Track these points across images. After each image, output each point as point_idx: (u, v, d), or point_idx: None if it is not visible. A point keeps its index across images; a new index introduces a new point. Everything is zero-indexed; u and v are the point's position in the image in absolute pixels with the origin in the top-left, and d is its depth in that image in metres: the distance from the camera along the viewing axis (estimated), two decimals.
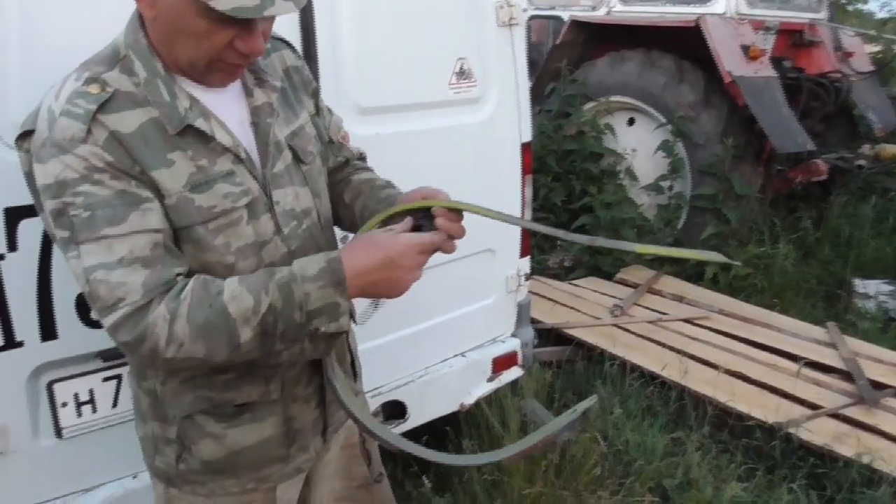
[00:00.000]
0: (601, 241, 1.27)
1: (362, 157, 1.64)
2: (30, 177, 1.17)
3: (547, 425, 1.34)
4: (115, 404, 1.85)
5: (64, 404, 1.79)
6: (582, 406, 1.30)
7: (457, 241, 1.33)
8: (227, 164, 1.24)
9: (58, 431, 1.79)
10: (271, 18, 1.18)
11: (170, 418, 1.34)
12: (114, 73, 1.17)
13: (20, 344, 1.68)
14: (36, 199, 1.17)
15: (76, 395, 1.80)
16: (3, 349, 1.66)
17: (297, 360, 1.32)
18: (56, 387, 1.77)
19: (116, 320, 1.11)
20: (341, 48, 2.13)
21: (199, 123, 1.20)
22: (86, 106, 1.12)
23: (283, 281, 1.16)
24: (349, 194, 1.52)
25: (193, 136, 1.20)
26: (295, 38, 2.01)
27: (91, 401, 1.83)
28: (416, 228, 1.32)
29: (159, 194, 1.17)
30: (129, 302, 1.10)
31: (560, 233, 1.32)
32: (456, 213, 1.31)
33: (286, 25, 1.98)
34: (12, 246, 1.62)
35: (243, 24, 1.12)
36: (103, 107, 1.13)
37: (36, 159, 1.13)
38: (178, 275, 1.15)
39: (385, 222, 1.37)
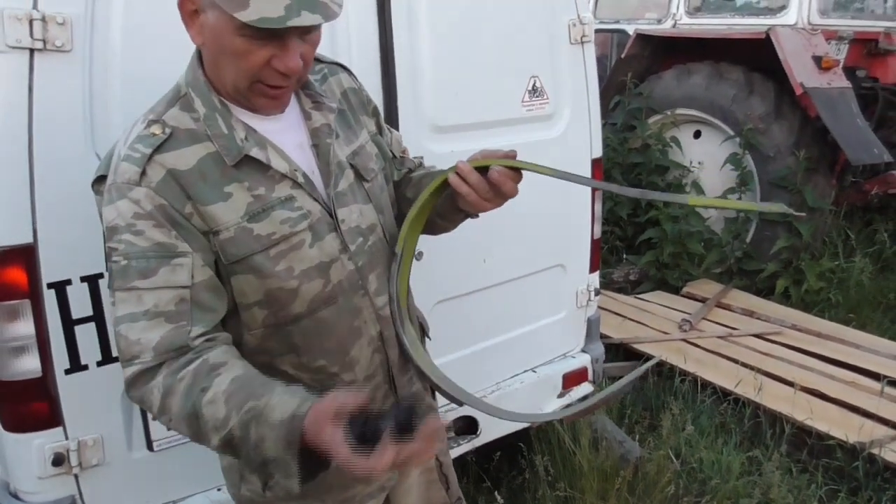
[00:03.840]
0: (652, 195, 1.29)
1: (422, 165, 1.68)
2: (101, 216, 1.24)
3: (607, 388, 1.46)
4: None
5: (154, 417, 1.85)
6: (642, 369, 1.37)
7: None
8: (286, 189, 1.26)
9: (149, 444, 1.86)
10: (311, 41, 1.20)
11: None
12: (174, 111, 1.23)
13: (116, 359, 1.75)
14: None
15: None
16: (102, 364, 1.74)
17: None
18: None
19: (129, 376, 1.17)
20: (419, 69, 2.17)
21: (255, 153, 1.23)
22: (143, 150, 1.18)
23: (246, 418, 1.07)
24: (411, 190, 1.54)
25: (251, 165, 1.24)
26: (374, 60, 2.06)
27: None
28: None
29: (213, 230, 1.20)
30: (141, 361, 1.15)
31: (613, 187, 1.36)
32: (514, 171, 1.33)
33: (366, 47, 2.04)
34: None
35: (278, 43, 1.15)
36: (161, 147, 1.18)
37: (103, 202, 1.21)
38: (201, 335, 1.17)
39: (441, 189, 1.39)
